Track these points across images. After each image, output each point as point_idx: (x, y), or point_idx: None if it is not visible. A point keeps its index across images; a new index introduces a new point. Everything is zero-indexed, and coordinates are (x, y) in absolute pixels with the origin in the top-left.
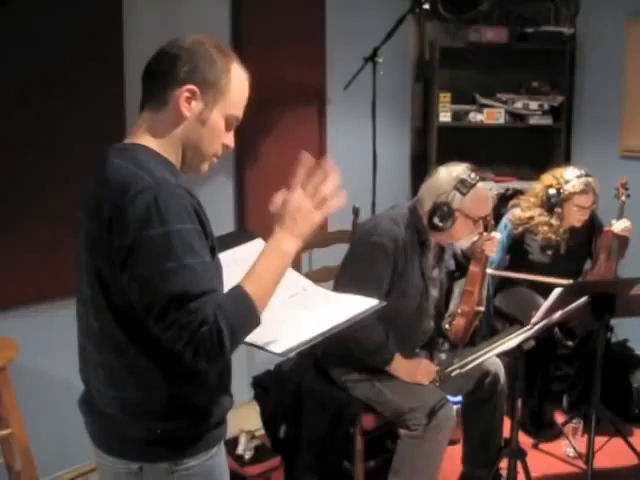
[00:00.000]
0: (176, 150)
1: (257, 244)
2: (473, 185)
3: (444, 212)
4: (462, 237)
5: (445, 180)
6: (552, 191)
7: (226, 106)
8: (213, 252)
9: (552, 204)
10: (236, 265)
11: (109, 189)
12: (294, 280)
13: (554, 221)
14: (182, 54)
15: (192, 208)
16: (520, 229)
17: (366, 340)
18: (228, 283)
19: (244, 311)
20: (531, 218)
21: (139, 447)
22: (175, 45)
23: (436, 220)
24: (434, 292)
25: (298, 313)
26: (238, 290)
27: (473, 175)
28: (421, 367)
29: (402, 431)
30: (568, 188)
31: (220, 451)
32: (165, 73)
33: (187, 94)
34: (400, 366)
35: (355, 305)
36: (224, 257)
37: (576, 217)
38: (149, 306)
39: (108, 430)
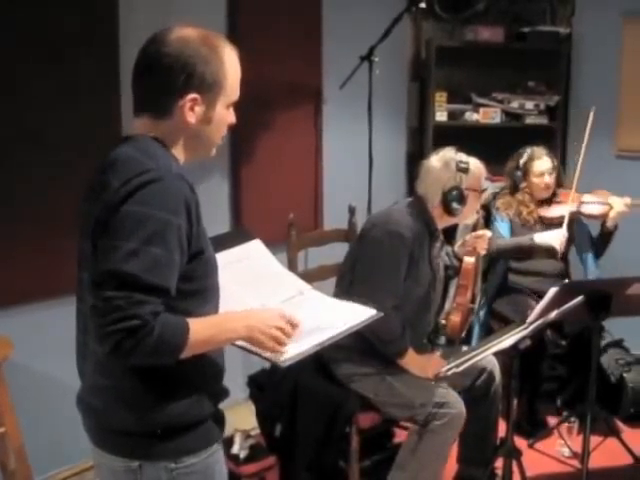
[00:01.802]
0: (183, 149)
1: (254, 245)
2: (468, 162)
3: (456, 196)
4: (473, 211)
5: (443, 168)
6: (516, 172)
7: (227, 96)
8: (196, 255)
9: (517, 181)
10: (232, 266)
11: (114, 174)
12: (291, 283)
13: (520, 196)
14: (174, 62)
15: (185, 203)
16: (511, 211)
17: (384, 329)
18: (224, 284)
19: (177, 337)
20: (510, 204)
21: (138, 444)
22: (163, 52)
23: (455, 205)
24: (439, 282)
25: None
26: (183, 320)
27: (462, 154)
28: (432, 362)
29: (411, 426)
30: (524, 159)
31: (219, 449)
32: (163, 85)
33: (190, 103)
34: (412, 360)
35: (354, 314)
36: (220, 257)
37: (539, 185)
38: (96, 271)
39: (106, 427)
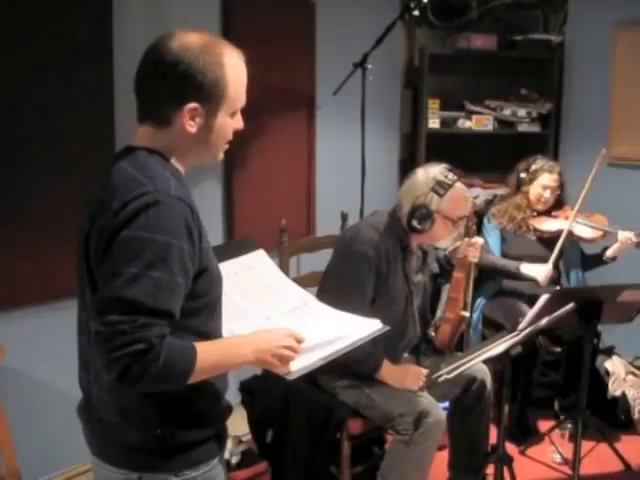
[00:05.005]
0: (185, 157)
1: (258, 255)
2: (450, 186)
3: (422, 214)
4: (442, 238)
5: (422, 182)
6: (523, 174)
7: (229, 104)
8: (201, 272)
9: (520, 183)
10: (236, 276)
11: (112, 194)
12: (295, 293)
13: (519, 200)
14: (173, 72)
15: (186, 225)
16: (505, 218)
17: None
18: (229, 294)
19: (184, 362)
20: (506, 211)
21: (139, 456)
22: (163, 61)
23: (415, 222)
24: (417, 297)
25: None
26: (190, 344)
27: (450, 175)
28: (410, 373)
29: (392, 435)
30: (535, 166)
31: (220, 463)
32: (162, 95)
33: (190, 113)
34: (389, 373)
35: (359, 328)
36: (224, 267)
37: (537, 196)
38: (99, 297)
39: (107, 438)
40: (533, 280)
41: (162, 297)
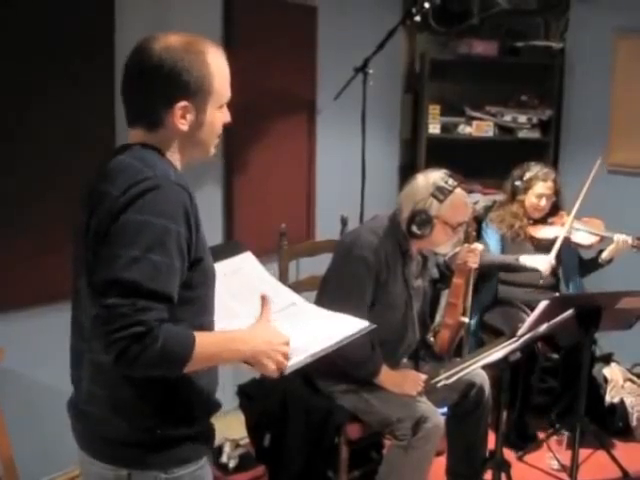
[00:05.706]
0: (179, 153)
1: (246, 257)
2: (450, 192)
3: (422, 219)
4: (442, 243)
5: (422, 187)
6: (517, 182)
7: (216, 99)
8: (195, 263)
9: (516, 191)
10: (225, 278)
11: (112, 183)
12: (283, 294)
13: (515, 209)
14: (159, 74)
15: (184, 210)
16: (504, 225)
17: (352, 353)
18: (218, 295)
19: (182, 348)
20: (503, 218)
21: (128, 452)
22: (147, 65)
23: (414, 228)
24: (417, 302)
25: (289, 331)
26: (189, 331)
27: (450, 181)
28: (408, 378)
29: (390, 440)
30: (530, 175)
31: (207, 463)
32: (150, 96)
33: (180, 112)
34: (387, 378)
35: (346, 327)
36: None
37: (534, 205)
38: (98, 280)
39: (97, 434)
40: (534, 270)
41: (161, 280)
